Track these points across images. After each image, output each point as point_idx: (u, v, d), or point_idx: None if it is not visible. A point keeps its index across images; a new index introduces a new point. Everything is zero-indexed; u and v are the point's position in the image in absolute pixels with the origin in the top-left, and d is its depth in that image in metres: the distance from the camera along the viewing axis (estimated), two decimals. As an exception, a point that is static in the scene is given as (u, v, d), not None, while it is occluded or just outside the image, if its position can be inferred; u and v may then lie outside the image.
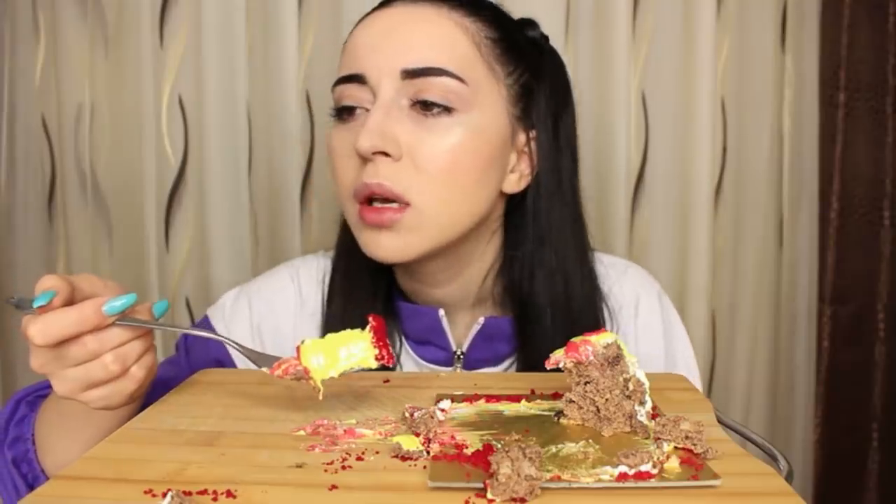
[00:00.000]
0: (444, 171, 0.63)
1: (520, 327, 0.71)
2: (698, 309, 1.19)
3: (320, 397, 0.51)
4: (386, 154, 0.62)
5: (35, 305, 0.49)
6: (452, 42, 0.64)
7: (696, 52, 1.16)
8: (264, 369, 0.52)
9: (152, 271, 1.18)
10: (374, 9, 0.68)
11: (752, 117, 1.22)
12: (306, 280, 0.77)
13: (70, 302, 0.50)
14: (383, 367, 0.52)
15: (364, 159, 0.63)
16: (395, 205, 0.63)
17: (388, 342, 0.52)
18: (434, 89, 0.62)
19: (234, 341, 0.56)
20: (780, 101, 1.23)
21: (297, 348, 0.51)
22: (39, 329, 0.48)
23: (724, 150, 1.22)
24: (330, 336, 0.52)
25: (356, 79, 0.65)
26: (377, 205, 0.63)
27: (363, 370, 0.52)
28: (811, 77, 1.23)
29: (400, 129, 0.62)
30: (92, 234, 1.19)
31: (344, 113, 0.66)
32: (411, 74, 0.63)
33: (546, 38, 0.74)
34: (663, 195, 1.21)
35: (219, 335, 0.57)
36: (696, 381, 0.73)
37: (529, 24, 0.74)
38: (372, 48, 0.65)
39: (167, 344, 1.21)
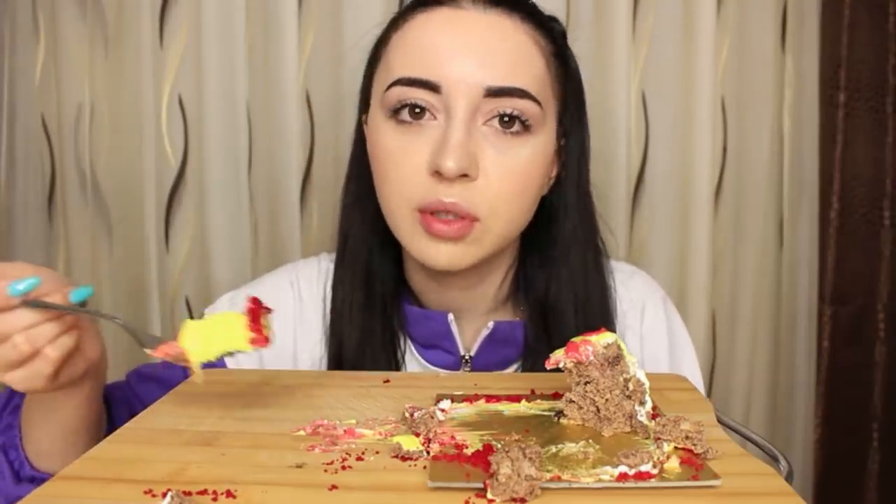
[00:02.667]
0: (514, 192, 0.63)
1: (535, 330, 0.70)
2: (698, 309, 1.19)
3: (199, 381, 0.52)
4: (465, 175, 0.60)
5: None
6: (531, 61, 0.63)
7: (696, 52, 1.16)
8: (147, 350, 0.52)
9: (152, 271, 1.18)
10: (436, 2, 0.64)
11: (753, 117, 1.22)
12: (306, 283, 0.76)
13: None
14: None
15: (439, 175, 0.60)
16: (459, 218, 0.61)
17: (262, 325, 0.52)
18: (514, 108, 0.61)
19: (120, 319, 0.56)
20: (780, 101, 1.23)
21: (178, 331, 0.52)
22: None
23: (724, 150, 1.22)
24: (210, 317, 0.52)
25: (427, 85, 0.61)
26: (444, 216, 0.62)
27: (241, 353, 0.52)
28: (811, 77, 1.23)
29: (479, 150, 0.61)
30: (92, 233, 1.19)
31: (406, 113, 0.62)
32: (495, 93, 0.61)
33: (566, 34, 0.72)
34: (663, 195, 1.21)
35: (108, 315, 0.57)
36: (701, 390, 0.73)
37: (554, 18, 0.71)
38: (451, 57, 0.61)
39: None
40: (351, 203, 0.73)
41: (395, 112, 0.63)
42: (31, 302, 0.52)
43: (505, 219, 0.63)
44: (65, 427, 0.61)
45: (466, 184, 0.61)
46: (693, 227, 1.19)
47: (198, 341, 0.51)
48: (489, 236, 0.63)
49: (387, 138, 0.63)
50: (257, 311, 0.52)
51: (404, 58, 0.63)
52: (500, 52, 0.61)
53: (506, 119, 0.61)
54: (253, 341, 0.51)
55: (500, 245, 0.66)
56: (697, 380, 0.76)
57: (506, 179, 0.62)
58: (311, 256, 0.81)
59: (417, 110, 0.62)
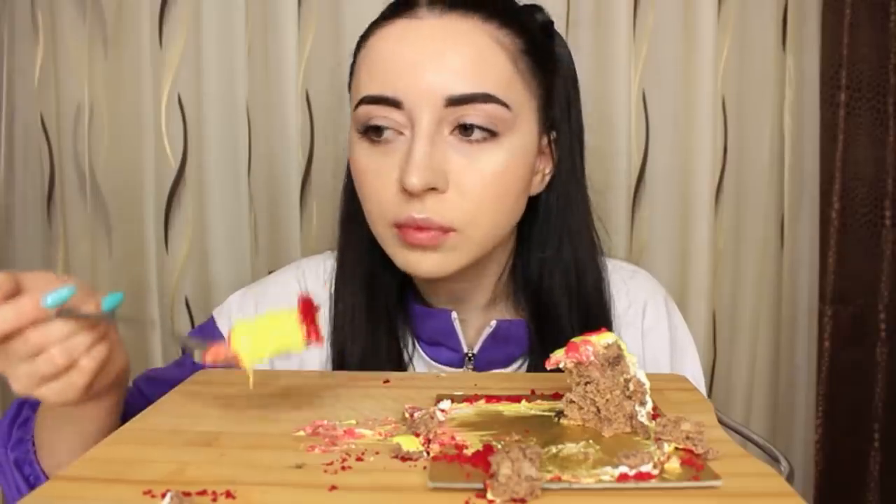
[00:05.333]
0: (490, 199, 0.62)
1: (535, 327, 0.70)
2: (698, 309, 1.19)
3: (251, 385, 0.50)
4: (434, 188, 0.60)
5: None
6: (494, 63, 0.61)
7: (696, 52, 1.16)
8: (195, 356, 0.53)
9: (152, 271, 1.17)
10: (394, 14, 0.64)
11: (753, 117, 1.22)
12: (313, 280, 0.76)
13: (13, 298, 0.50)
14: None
15: (409, 193, 0.60)
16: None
17: (316, 321, 0.51)
18: (478, 115, 0.60)
19: (162, 325, 0.55)
20: (780, 100, 1.23)
21: (229, 333, 0.50)
22: None
23: (725, 149, 1.22)
24: (259, 318, 0.51)
25: (390, 102, 0.61)
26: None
27: (295, 353, 0.51)
28: (812, 76, 1.23)
29: (445, 161, 0.60)
30: (91, 233, 1.19)
31: (372, 133, 0.63)
32: (457, 101, 0.59)
33: (552, 23, 0.71)
34: (663, 195, 1.21)
35: (144, 321, 0.56)
36: (702, 390, 0.71)
37: (536, 8, 0.70)
38: (408, 70, 0.60)
39: (168, 345, 1.21)
40: (348, 212, 0.73)
41: (364, 132, 0.63)
42: (63, 312, 0.50)
43: (484, 227, 0.63)
44: (87, 438, 0.60)
45: (437, 197, 0.60)
46: (693, 227, 1.19)
47: (249, 343, 0.49)
48: (469, 244, 0.63)
49: (360, 157, 0.64)
50: (309, 309, 0.51)
51: (366, 75, 0.63)
52: (458, 59, 0.60)
53: (466, 128, 0.60)
54: (307, 339, 0.50)
55: (485, 248, 0.65)
56: (699, 380, 0.75)
57: (479, 188, 0.61)
58: (316, 254, 0.80)
59: (379, 131, 0.62)
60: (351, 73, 0.68)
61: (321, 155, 1.17)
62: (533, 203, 0.69)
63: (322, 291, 0.75)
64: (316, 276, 0.76)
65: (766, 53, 1.20)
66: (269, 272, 0.83)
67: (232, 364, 0.50)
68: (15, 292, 0.50)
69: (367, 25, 0.69)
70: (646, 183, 1.21)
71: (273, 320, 0.50)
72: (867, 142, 1.22)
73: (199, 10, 1.14)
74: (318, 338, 0.51)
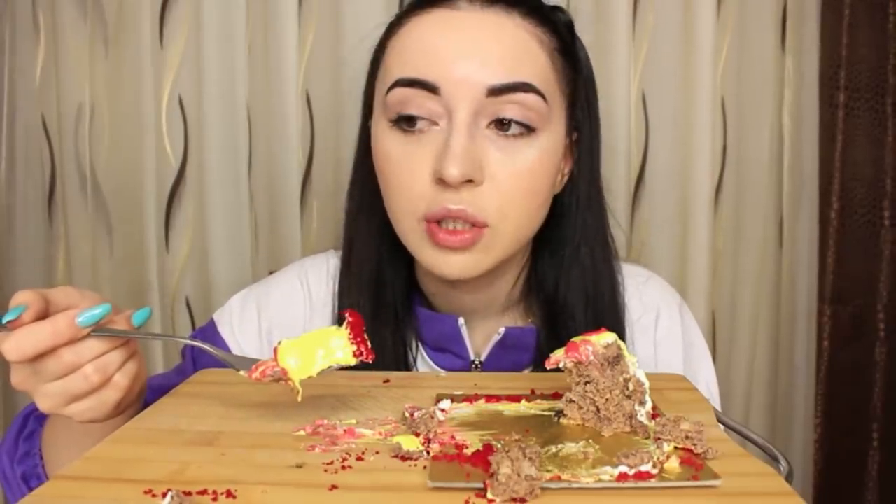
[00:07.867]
0: (523, 195, 0.61)
1: (547, 333, 0.69)
2: (698, 309, 1.19)
3: (299, 398, 0.50)
4: (470, 180, 0.59)
5: (3, 321, 0.48)
6: (533, 57, 0.61)
7: (696, 52, 1.16)
8: (242, 372, 0.51)
9: (152, 271, 1.18)
10: (431, 4, 0.63)
11: (752, 117, 1.22)
12: (315, 279, 0.75)
13: (44, 316, 0.50)
14: (362, 365, 0.51)
15: (444, 183, 0.59)
16: (468, 226, 0.60)
17: (365, 338, 0.51)
18: (517, 107, 0.60)
19: (209, 345, 0.54)
20: (780, 100, 1.23)
21: (275, 349, 0.50)
22: (12, 345, 0.48)
23: (724, 150, 1.22)
24: (306, 335, 0.51)
25: (426, 86, 0.60)
26: (450, 226, 0.61)
27: (343, 368, 0.51)
28: (811, 77, 1.23)
29: (483, 153, 0.60)
30: (92, 233, 1.19)
31: (405, 122, 0.61)
32: (497, 91, 0.59)
33: (573, 23, 0.70)
34: (663, 195, 1.21)
35: (191, 340, 0.55)
36: (716, 403, 0.71)
37: (559, 8, 0.69)
38: (448, 58, 0.59)
39: (171, 351, 1.21)
40: (356, 209, 0.72)
41: (396, 121, 0.62)
42: (95, 329, 0.51)
43: (515, 222, 0.62)
44: None
45: (472, 189, 0.60)
46: (693, 226, 1.19)
47: (297, 359, 0.50)
48: (499, 241, 0.62)
49: (390, 147, 0.62)
50: (359, 325, 0.51)
51: (401, 60, 0.62)
52: (500, 50, 0.60)
53: (504, 123, 0.60)
54: (358, 354, 0.50)
55: (513, 249, 0.65)
56: (714, 393, 0.74)
57: (514, 182, 0.61)
58: (319, 253, 0.79)
59: (412, 121, 0.61)
60: (375, 63, 0.67)
61: (321, 155, 1.17)
62: (551, 205, 0.68)
63: (325, 291, 0.74)
64: (318, 277, 0.75)
65: (766, 54, 1.20)
66: (270, 272, 0.83)
67: (280, 379, 0.50)
68: (46, 310, 0.50)
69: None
70: (645, 183, 1.21)
71: (318, 337, 0.51)
72: (866, 142, 1.22)
73: (200, 10, 1.14)
74: (369, 354, 0.51)
